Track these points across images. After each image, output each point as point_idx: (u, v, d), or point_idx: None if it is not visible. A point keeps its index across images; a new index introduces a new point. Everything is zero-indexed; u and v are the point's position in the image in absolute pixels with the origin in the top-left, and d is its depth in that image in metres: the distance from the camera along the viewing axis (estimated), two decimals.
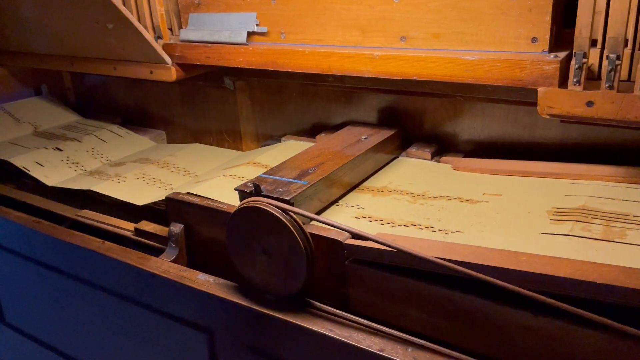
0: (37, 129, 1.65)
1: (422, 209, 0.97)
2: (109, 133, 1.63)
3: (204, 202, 1.04)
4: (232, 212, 0.90)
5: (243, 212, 0.89)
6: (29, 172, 1.37)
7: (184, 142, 1.69)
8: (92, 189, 1.27)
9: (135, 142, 1.62)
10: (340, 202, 1.03)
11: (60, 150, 1.50)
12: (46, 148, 1.49)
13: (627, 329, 0.65)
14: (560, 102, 0.87)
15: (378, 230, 0.90)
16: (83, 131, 1.64)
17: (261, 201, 0.87)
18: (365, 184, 1.10)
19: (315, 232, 0.89)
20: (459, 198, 1.00)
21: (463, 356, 0.76)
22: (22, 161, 1.41)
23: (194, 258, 1.10)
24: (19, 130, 1.63)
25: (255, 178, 1.01)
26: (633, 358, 0.66)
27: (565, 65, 0.88)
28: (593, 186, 0.97)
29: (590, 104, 0.85)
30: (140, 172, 1.38)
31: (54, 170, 1.41)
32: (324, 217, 0.91)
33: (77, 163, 1.46)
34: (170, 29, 1.36)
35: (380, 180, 1.11)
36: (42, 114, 1.74)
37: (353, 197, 1.04)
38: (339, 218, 0.96)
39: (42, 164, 1.42)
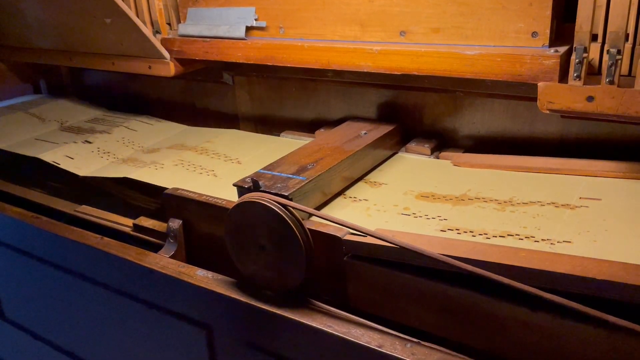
0: (64, 124, 1.61)
1: (514, 216, 0.90)
2: (138, 123, 1.58)
3: (203, 198, 1.04)
4: (231, 207, 0.90)
5: (242, 208, 0.88)
6: (60, 166, 1.31)
7: None
8: (128, 176, 1.21)
9: (166, 128, 1.57)
10: (415, 212, 0.95)
11: (90, 142, 1.45)
12: (75, 142, 1.45)
13: (627, 325, 0.64)
14: (560, 97, 0.87)
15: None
16: (111, 123, 1.60)
17: (260, 197, 0.87)
18: (432, 190, 1.03)
19: (314, 228, 0.88)
20: (553, 203, 0.92)
21: (461, 353, 0.76)
22: (51, 156, 1.35)
23: (192, 254, 1.10)
24: (45, 127, 1.59)
25: (254, 174, 1.00)
26: (633, 354, 0.66)
27: (565, 60, 0.87)
28: None
29: (590, 99, 0.84)
30: (177, 158, 1.30)
31: (85, 161, 1.34)
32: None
33: (109, 152, 1.39)
34: (169, 24, 1.36)
35: (442, 186, 1.05)
36: (67, 112, 1.70)
37: (424, 206, 0.97)
38: (423, 231, 0.88)
39: (72, 157, 1.36)
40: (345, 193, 1.05)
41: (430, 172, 1.11)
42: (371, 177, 1.11)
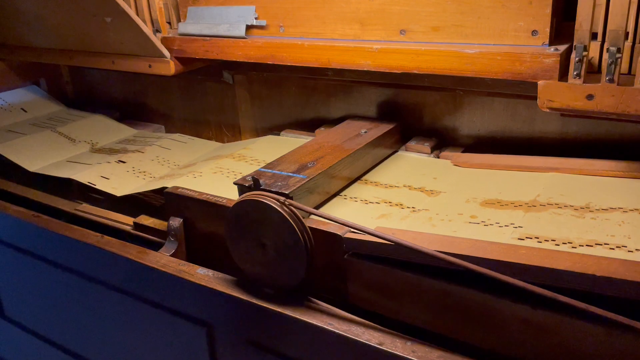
0: (95, 146, 1.58)
1: (596, 224, 0.84)
2: (171, 141, 1.55)
3: (203, 196, 1.04)
4: (231, 206, 0.90)
5: (242, 206, 0.88)
6: (95, 187, 1.28)
7: None
8: (166, 186, 1.15)
9: (200, 145, 1.53)
10: (485, 220, 0.90)
11: (124, 162, 1.42)
12: (109, 162, 1.41)
13: (626, 321, 0.65)
14: (560, 95, 0.87)
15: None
16: (143, 143, 1.56)
17: (260, 195, 0.87)
18: (497, 197, 0.97)
19: (314, 226, 0.88)
20: (637, 209, 0.86)
21: (461, 351, 0.76)
22: (86, 177, 1.32)
23: (193, 252, 1.10)
24: (76, 149, 1.56)
25: (254, 172, 1.00)
26: (632, 350, 0.66)
27: (565, 58, 0.88)
28: None
29: (590, 97, 0.84)
30: (215, 166, 1.26)
31: (121, 181, 1.31)
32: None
33: (144, 172, 1.36)
34: (169, 23, 1.36)
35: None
36: (97, 132, 1.67)
37: (492, 214, 0.91)
38: (499, 240, 0.82)
39: (107, 177, 1.32)
40: (403, 204, 0.99)
41: (490, 177, 1.05)
42: (427, 185, 1.06)
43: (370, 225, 0.85)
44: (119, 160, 1.43)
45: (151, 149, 1.51)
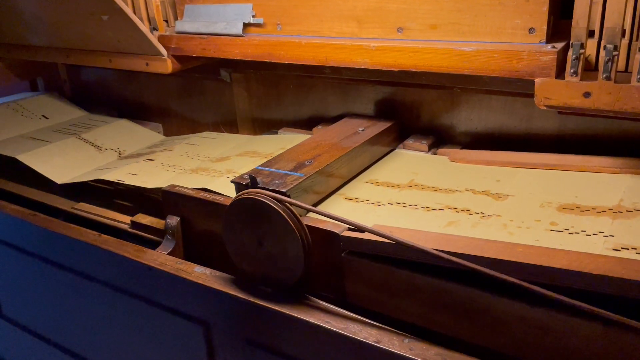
0: (122, 154, 1.53)
1: None
2: (199, 138, 1.51)
3: (201, 195, 1.04)
4: (229, 204, 0.90)
5: (239, 204, 0.88)
6: (124, 182, 1.23)
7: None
8: (207, 187, 1.08)
9: (230, 139, 1.48)
10: (568, 228, 0.83)
11: (152, 160, 1.37)
12: (137, 162, 1.37)
13: (623, 320, 0.65)
14: (557, 93, 0.87)
15: None
16: (170, 144, 1.52)
17: (257, 193, 0.87)
18: (574, 201, 0.90)
19: (311, 224, 0.88)
20: None
21: (458, 349, 0.76)
22: (114, 175, 1.28)
23: (190, 250, 1.10)
24: (104, 158, 1.51)
25: (252, 170, 1.00)
26: (628, 348, 0.66)
27: (562, 56, 0.88)
28: None
29: (587, 94, 0.84)
30: (255, 166, 1.18)
31: (150, 176, 1.26)
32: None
33: (174, 165, 1.32)
34: (166, 21, 1.36)
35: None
36: (122, 138, 1.61)
37: (574, 221, 0.85)
38: (593, 251, 0.75)
39: (135, 174, 1.28)
40: (470, 209, 0.93)
41: (560, 179, 0.99)
42: (492, 188, 0.99)
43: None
44: (147, 159, 1.39)
45: (179, 147, 1.46)
